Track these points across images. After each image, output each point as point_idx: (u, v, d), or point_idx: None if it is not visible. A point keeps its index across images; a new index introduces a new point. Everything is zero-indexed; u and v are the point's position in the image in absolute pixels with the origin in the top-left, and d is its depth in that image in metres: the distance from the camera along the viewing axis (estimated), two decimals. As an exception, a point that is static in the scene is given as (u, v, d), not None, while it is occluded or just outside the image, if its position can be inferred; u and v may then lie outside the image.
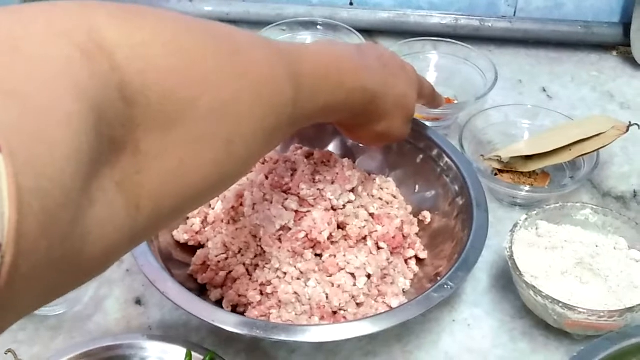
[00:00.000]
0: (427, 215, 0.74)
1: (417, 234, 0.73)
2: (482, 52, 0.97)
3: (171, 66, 0.37)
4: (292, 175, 0.71)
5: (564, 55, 1.05)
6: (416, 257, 0.72)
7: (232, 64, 0.42)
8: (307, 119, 0.54)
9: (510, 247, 0.67)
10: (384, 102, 0.62)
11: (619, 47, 1.05)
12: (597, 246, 0.69)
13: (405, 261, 0.71)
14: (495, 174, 0.82)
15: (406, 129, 0.69)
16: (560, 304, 0.63)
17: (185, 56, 0.39)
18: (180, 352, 0.62)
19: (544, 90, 0.99)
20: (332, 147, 0.80)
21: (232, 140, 0.41)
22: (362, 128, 0.65)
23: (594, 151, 0.79)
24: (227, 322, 0.60)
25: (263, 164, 0.73)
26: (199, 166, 0.40)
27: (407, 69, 0.67)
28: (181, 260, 0.70)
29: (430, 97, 0.75)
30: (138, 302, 0.70)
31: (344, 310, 0.65)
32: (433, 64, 0.96)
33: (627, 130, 0.80)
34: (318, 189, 0.69)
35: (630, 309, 0.62)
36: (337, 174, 0.71)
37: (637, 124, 0.81)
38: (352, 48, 0.63)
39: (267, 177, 0.71)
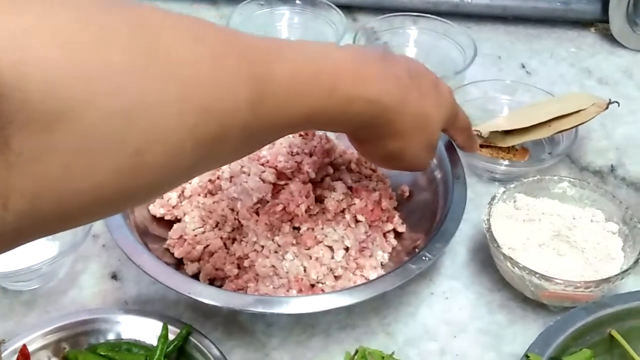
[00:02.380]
0: (405, 189, 0.74)
1: (395, 207, 0.73)
2: (462, 28, 0.96)
3: (58, 59, 0.32)
4: (269, 148, 0.70)
5: (543, 32, 1.05)
6: (394, 230, 0.71)
7: (150, 61, 0.36)
8: (282, 127, 0.48)
9: (488, 220, 0.67)
10: (399, 118, 0.56)
11: (598, 23, 1.05)
12: (574, 218, 0.69)
13: (384, 235, 0.70)
14: (474, 149, 0.82)
15: (426, 156, 0.62)
16: (537, 275, 0.63)
17: (79, 48, 0.33)
18: (156, 326, 0.61)
19: (523, 67, 0.99)
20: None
21: (145, 149, 0.36)
22: (370, 144, 0.59)
23: (573, 127, 0.79)
24: (204, 294, 0.59)
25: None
26: (94, 174, 0.34)
27: (441, 89, 0.61)
28: (157, 235, 0.69)
29: (464, 132, 0.69)
30: (114, 277, 0.70)
31: (322, 283, 0.65)
32: (412, 39, 0.96)
33: (607, 107, 0.80)
34: (296, 162, 0.69)
35: (606, 280, 0.62)
36: (315, 147, 0.71)
37: (617, 102, 0.81)
38: (370, 54, 0.56)
39: (244, 150, 0.70)
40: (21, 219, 0.33)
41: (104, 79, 0.34)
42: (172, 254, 0.68)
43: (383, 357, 0.56)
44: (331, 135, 0.75)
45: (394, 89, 0.55)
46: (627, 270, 0.63)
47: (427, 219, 0.70)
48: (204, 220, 0.68)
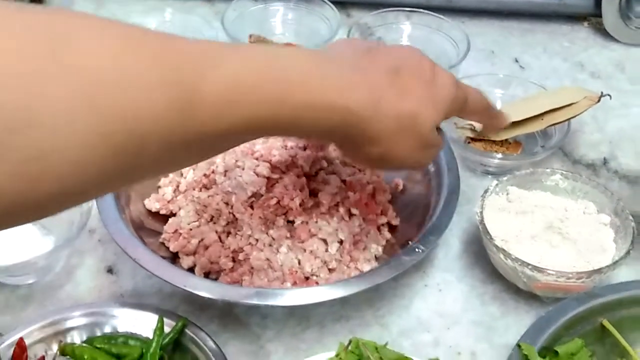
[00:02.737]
0: (399, 183, 0.75)
1: (389, 201, 0.73)
2: (455, 22, 0.97)
3: None
4: (263, 142, 0.70)
5: (537, 26, 1.06)
6: (388, 223, 0.72)
7: (53, 67, 0.34)
8: (223, 135, 0.43)
9: (481, 212, 0.68)
10: (374, 123, 0.51)
11: (591, 17, 1.05)
12: (566, 210, 0.70)
13: (378, 228, 0.71)
14: (468, 142, 0.82)
15: (421, 155, 0.57)
16: (530, 266, 0.63)
17: None
18: (152, 319, 0.61)
19: (516, 61, 1.00)
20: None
21: (44, 155, 0.34)
22: (350, 150, 0.56)
23: (565, 120, 0.80)
24: (200, 287, 0.60)
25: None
26: None
27: (438, 81, 0.55)
28: (153, 229, 0.70)
29: (482, 114, 0.65)
30: (110, 271, 0.70)
31: (316, 276, 0.65)
32: (406, 34, 0.96)
33: (599, 101, 0.81)
34: (290, 156, 0.69)
35: (597, 271, 0.63)
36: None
37: (608, 95, 0.82)
38: (341, 57, 0.53)
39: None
40: None
41: (1, 83, 0.32)
42: (168, 247, 0.68)
43: (377, 348, 0.56)
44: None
45: (361, 93, 0.50)
46: (618, 261, 0.64)
47: (420, 212, 0.71)
48: (198, 214, 0.68)
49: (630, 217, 0.68)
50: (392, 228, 0.72)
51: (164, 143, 0.40)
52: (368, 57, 0.53)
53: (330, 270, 0.66)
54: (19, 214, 0.37)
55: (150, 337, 0.60)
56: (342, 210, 0.68)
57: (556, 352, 0.56)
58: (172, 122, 0.39)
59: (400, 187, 0.75)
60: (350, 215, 0.69)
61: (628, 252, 0.65)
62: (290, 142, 0.71)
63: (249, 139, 0.49)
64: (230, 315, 0.66)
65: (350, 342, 0.57)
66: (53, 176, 0.35)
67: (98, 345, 0.60)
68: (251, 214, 0.67)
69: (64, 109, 0.34)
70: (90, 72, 0.35)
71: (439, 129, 0.58)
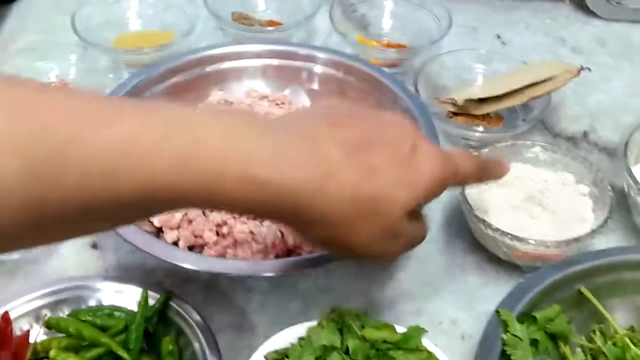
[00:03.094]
0: (381, 157, 0.75)
1: (371, 175, 0.74)
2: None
3: None
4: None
5: (519, 3, 1.06)
6: (371, 196, 0.72)
7: None
8: (108, 205, 0.38)
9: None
10: (322, 203, 0.44)
11: (572, -6, 1.06)
12: (546, 182, 0.71)
13: (360, 201, 0.71)
14: (450, 117, 0.83)
15: (388, 245, 0.49)
16: (509, 236, 0.64)
17: None
18: (136, 292, 0.62)
19: (499, 37, 1.00)
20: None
21: None
22: (299, 230, 0.48)
23: (546, 93, 0.81)
24: (184, 259, 0.61)
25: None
26: None
27: (415, 160, 0.48)
28: (137, 204, 0.70)
29: (480, 178, 0.58)
30: (94, 246, 0.71)
31: (299, 248, 0.66)
32: (388, 10, 0.97)
33: (579, 74, 0.82)
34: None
35: (576, 239, 0.64)
36: (291, 115, 0.72)
37: (588, 68, 0.83)
38: (300, 123, 0.46)
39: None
40: None
41: None
42: (152, 222, 0.69)
43: (358, 316, 0.57)
44: (307, 102, 0.76)
45: (303, 168, 0.43)
46: (596, 229, 0.65)
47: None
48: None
49: (609, 187, 0.69)
50: (374, 201, 0.73)
51: (19, 211, 0.36)
52: (329, 128, 0.46)
53: (313, 243, 0.66)
54: None
55: (135, 310, 0.61)
56: (324, 183, 0.69)
57: (534, 318, 0.57)
58: (26, 187, 0.35)
59: (383, 161, 0.75)
60: (333, 188, 0.69)
61: (606, 221, 0.66)
62: (273, 116, 0.71)
63: (158, 209, 0.43)
64: (214, 289, 0.67)
65: (332, 310, 0.58)
66: None
67: (83, 318, 0.60)
68: (234, 188, 0.67)
69: None
70: None
71: (420, 216, 0.53)
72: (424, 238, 0.53)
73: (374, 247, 0.48)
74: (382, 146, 0.47)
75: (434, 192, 0.50)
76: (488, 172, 0.58)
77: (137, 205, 0.40)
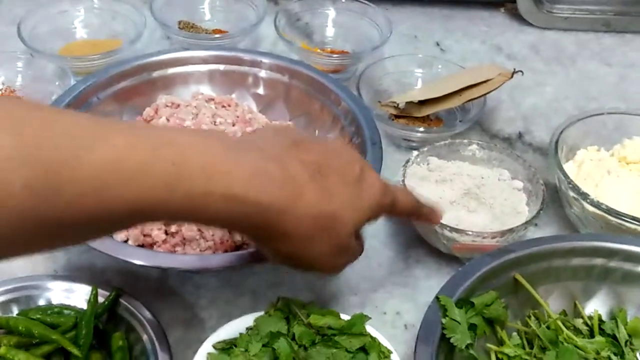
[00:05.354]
0: (326, 157, 0.78)
1: (317, 174, 0.76)
2: (379, 9, 1.00)
3: None
4: (193, 118, 0.73)
5: (457, 13, 1.11)
6: (316, 195, 0.75)
7: None
8: (97, 220, 0.41)
9: (403, 181, 0.72)
10: (287, 219, 0.48)
11: (507, 4, 1.11)
12: (482, 178, 0.74)
13: (306, 199, 0.74)
14: (392, 119, 0.86)
15: (335, 261, 0.54)
16: (448, 228, 0.67)
17: None
18: (86, 290, 0.63)
19: (438, 45, 1.04)
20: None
21: None
22: (258, 242, 0.53)
23: (482, 95, 0.85)
24: (133, 255, 0.62)
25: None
26: None
27: (363, 185, 0.52)
28: (86, 206, 0.71)
29: (413, 213, 0.62)
30: (43, 248, 0.71)
31: (247, 244, 0.67)
32: (331, 19, 1.00)
33: (512, 77, 0.86)
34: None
35: (511, 230, 0.67)
36: (238, 116, 0.73)
37: (521, 71, 0.87)
38: (267, 143, 0.50)
39: (168, 120, 0.72)
40: None
41: None
42: (101, 223, 0.69)
43: (304, 305, 0.59)
44: (254, 106, 0.78)
45: (275, 186, 0.47)
46: (530, 220, 0.69)
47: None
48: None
49: (541, 182, 0.72)
50: (320, 199, 0.75)
51: (18, 224, 0.37)
52: (293, 150, 0.50)
53: (261, 239, 0.68)
54: None
55: (85, 308, 0.62)
56: (270, 181, 0.71)
57: (472, 304, 0.60)
58: (26, 203, 0.37)
59: (327, 161, 0.78)
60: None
61: (539, 213, 0.69)
62: (220, 118, 0.73)
63: (140, 222, 0.46)
64: (164, 286, 0.68)
65: (278, 299, 0.60)
66: None
67: (32, 317, 0.61)
68: (182, 187, 0.69)
69: None
70: None
71: (360, 235, 0.57)
72: (361, 254, 0.58)
73: (325, 261, 0.52)
74: (336, 170, 0.51)
75: (374, 216, 0.54)
76: (422, 213, 0.62)
77: (127, 220, 0.43)
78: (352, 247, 0.54)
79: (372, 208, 0.53)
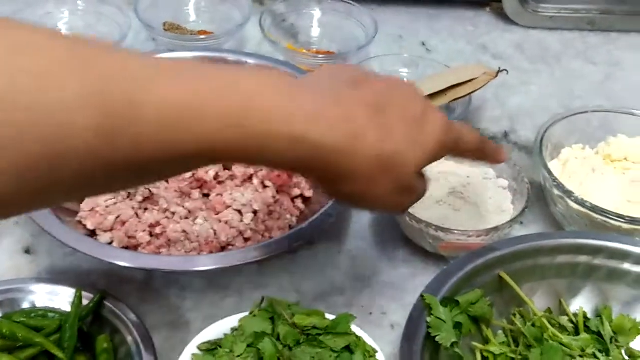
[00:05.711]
0: (311, 157, 0.78)
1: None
2: (364, 9, 1.00)
3: None
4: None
5: (442, 12, 1.11)
6: (302, 195, 0.75)
7: None
8: (161, 161, 0.40)
9: (388, 180, 0.71)
10: (348, 160, 0.47)
11: (492, 3, 1.11)
12: (468, 177, 0.74)
13: (292, 200, 0.74)
14: (377, 120, 0.86)
15: (398, 199, 0.53)
16: (434, 227, 0.67)
17: None
18: (70, 293, 0.62)
19: (423, 45, 1.04)
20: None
21: None
22: (322, 184, 0.52)
23: (467, 95, 0.85)
24: (118, 257, 0.62)
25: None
26: None
27: (426, 123, 0.51)
28: (69, 208, 0.70)
29: (478, 153, 0.60)
30: (27, 251, 0.71)
31: (232, 246, 0.67)
32: (316, 19, 1.00)
33: (497, 76, 0.86)
34: (203, 132, 0.71)
35: (495, 228, 0.67)
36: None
37: (505, 70, 0.87)
38: (316, 86, 0.49)
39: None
40: None
41: None
42: (85, 226, 0.69)
43: (289, 306, 0.59)
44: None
45: (336, 127, 0.46)
46: (515, 218, 0.69)
47: (332, 184, 0.74)
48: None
49: (526, 180, 0.73)
50: (306, 200, 0.75)
51: (83, 165, 0.37)
52: (352, 89, 0.49)
53: (246, 240, 0.68)
54: None
55: (69, 311, 0.61)
56: (256, 182, 0.71)
57: (457, 302, 0.60)
58: (93, 143, 0.36)
59: (313, 162, 0.78)
60: (264, 187, 0.71)
61: (523, 211, 0.69)
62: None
63: (204, 165, 0.45)
64: (149, 288, 0.68)
65: (263, 299, 0.59)
66: None
67: (16, 320, 0.61)
68: (166, 188, 0.69)
69: None
70: (7, 83, 0.33)
71: (422, 175, 0.55)
72: (424, 194, 0.57)
73: (387, 200, 0.52)
74: (397, 108, 0.50)
75: (438, 154, 0.53)
76: (486, 152, 0.61)
77: (191, 161, 0.43)
78: (415, 187, 0.53)
79: (435, 147, 0.52)
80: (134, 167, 0.39)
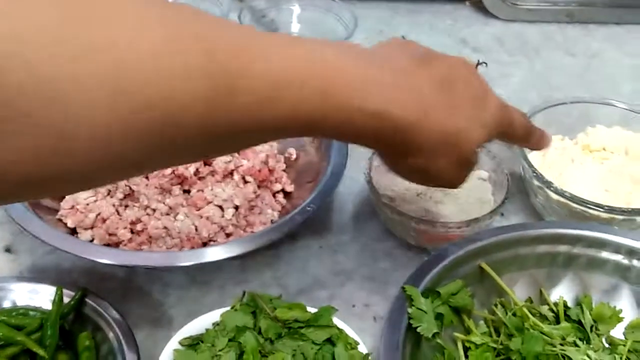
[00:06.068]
0: (292, 152, 0.78)
1: (284, 170, 0.76)
2: (344, 4, 1.01)
3: None
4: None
5: (422, 7, 1.11)
6: (283, 190, 0.75)
7: (82, 36, 0.32)
8: (256, 131, 0.42)
9: (369, 173, 0.72)
10: (418, 134, 0.49)
11: (472, -3, 1.12)
12: (448, 169, 0.75)
13: (273, 194, 0.74)
14: (358, 114, 0.86)
15: (458, 174, 0.55)
16: (415, 219, 0.67)
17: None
18: (51, 291, 0.62)
19: (404, 38, 1.04)
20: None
21: (69, 134, 0.33)
22: (390, 158, 0.54)
23: (447, 88, 0.85)
24: (99, 254, 0.61)
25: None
26: (8, 150, 0.31)
27: (487, 103, 0.53)
28: (49, 206, 0.70)
29: (526, 138, 0.62)
30: (7, 250, 0.70)
31: (214, 241, 0.67)
32: (296, 15, 1.00)
33: (476, 68, 0.86)
34: (183, 128, 0.71)
35: (476, 219, 0.68)
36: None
37: (485, 62, 0.87)
38: (394, 62, 0.49)
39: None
40: None
41: (22, 54, 0.30)
42: (65, 224, 0.69)
43: (271, 300, 0.59)
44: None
45: (410, 102, 0.48)
46: (495, 209, 0.69)
47: (314, 179, 0.74)
48: (95, 189, 0.69)
49: (506, 171, 0.73)
50: (287, 194, 0.75)
51: (195, 132, 0.38)
52: (421, 66, 0.50)
53: (228, 235, 0.68)
54: (29, 191, 0.36)
55: (50, 309, 0.61)
56: (236, 177, 0.71)
57: (438, 293, 0.60)
58: (204, 112, 0.37)
59: (294, 157, 0.78)
60: (245, 182, 0.71)
61: (503, 202, 0.70)
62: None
63: (289, 136, 0.47)
64: (131, 285, 0.68)
65: (244, 293, 0.60)
66: (78, 156, 0.34)
67: (-4, 319, 0.60)
68: (147, 184, 0.68)
69: (86, 89, 0.32)
70: (119, 54, 0.33)
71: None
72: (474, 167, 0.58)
73: (449, 174, 0.54)
74: (462, 86, 0.51)
75: (493, 135, 0.55)
76: (533, 138, 0.63)
77: (282, 131, 0.44)
78: (472, 162, 0.56)
79: (494, 125, 0.54)
80: (230, 136, 0.41)
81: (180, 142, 0.38)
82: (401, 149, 0.50)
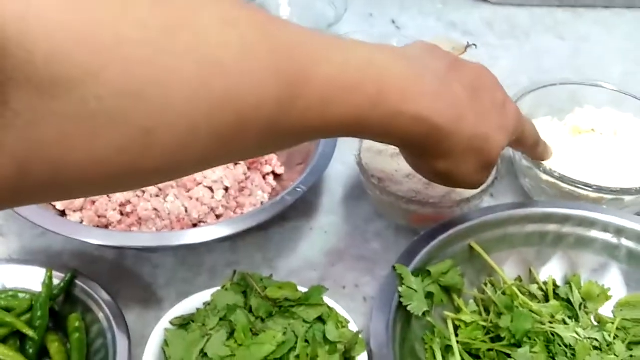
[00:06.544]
0: (282, 134, 0.78)
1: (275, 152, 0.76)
2: (334, -13, 1.00)
3: (67, 23, 0.30)
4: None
5: (412, -10, 1.11)
6: (273, 172, 0.75)
7: (168, 39, 0.34)
8: (314, 131, 0.44)
9: (359, 155, 0.72)
10: (451, 139, 0.51)
11: (461, -20, 1.12)
12: (438, 150, 0.75)
13: (263, 176, 0.74)
14: (348, 97, 0.86)
15: (479, 177, 0.57)
16: (404, 200, 0.68)
17: (90, 17, 0.31)
18: (41, 273, 0.62)
19: (393, 22, 1.04)
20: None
21: (153, 130, 0.34)
22: (419, 159, 0.56)
23: (436, 70, 0.85)
24: (89, 235, 0.61)
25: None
26: (94, 148, 0.32)
27: (507, 109, 0.56)
28: (39, 189, 0.70)
29: (532, 147, 0.65)
30: (-4, 233, 0.70)
31: (204, 222, 0.67)
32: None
33: (466, 50, 0.86)
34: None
35: (466, 200, 0.68)
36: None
37: (474, 44, 0.88)
38: (431, 67, 0.51)
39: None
40: (8, 179, 0.31)
41: (115, 52, 0.31)
42: (54, 206, 0.69)
43: (262, 279, 0.59)
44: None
45: (447, 108, 0.50)
46: (485, 189, 0.69)
47: (304, 160, 0.74)
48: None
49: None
50: (277, 176, 0.75)
51: (262, 131, 0.40)
52: (452, 70, 0.52)
53: (218, 217, 0.68)
54: (119, 185, 0.39)
55: (40, 291, 0.61)
56: (226, 159, 0.71)
57: (428, 272, 0.60)
58: (273, 112, 0.39)
59: (284, 139, 0.78)
60: (235, 164, 0.71)
61: (493, 182, 0.70)
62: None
63: (340, 136, 0.49)
64: (121, 267, 0.68)
65: (235, 273, 0.60)
66: (159, 151, 0.35)
67: (-14, 301, 0.60)
68: (136, 166, 0.68)
69: (178, 87, 0.34)
70: (211, 53, 0.35)
71: None
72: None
73: (471, 178, 0.57)
74: (487, 93, 0.54)
75: (512, 141, 0.58)
76: (539, 148, 0.66)
77: (334, 132, 0.47)
78: (494, 164, 0.58)
79: (512, 131, 0.57)
80: (296, 135, 0.43)
81: (249, 140, 0.40)
82: (431, 151, 0.52)
